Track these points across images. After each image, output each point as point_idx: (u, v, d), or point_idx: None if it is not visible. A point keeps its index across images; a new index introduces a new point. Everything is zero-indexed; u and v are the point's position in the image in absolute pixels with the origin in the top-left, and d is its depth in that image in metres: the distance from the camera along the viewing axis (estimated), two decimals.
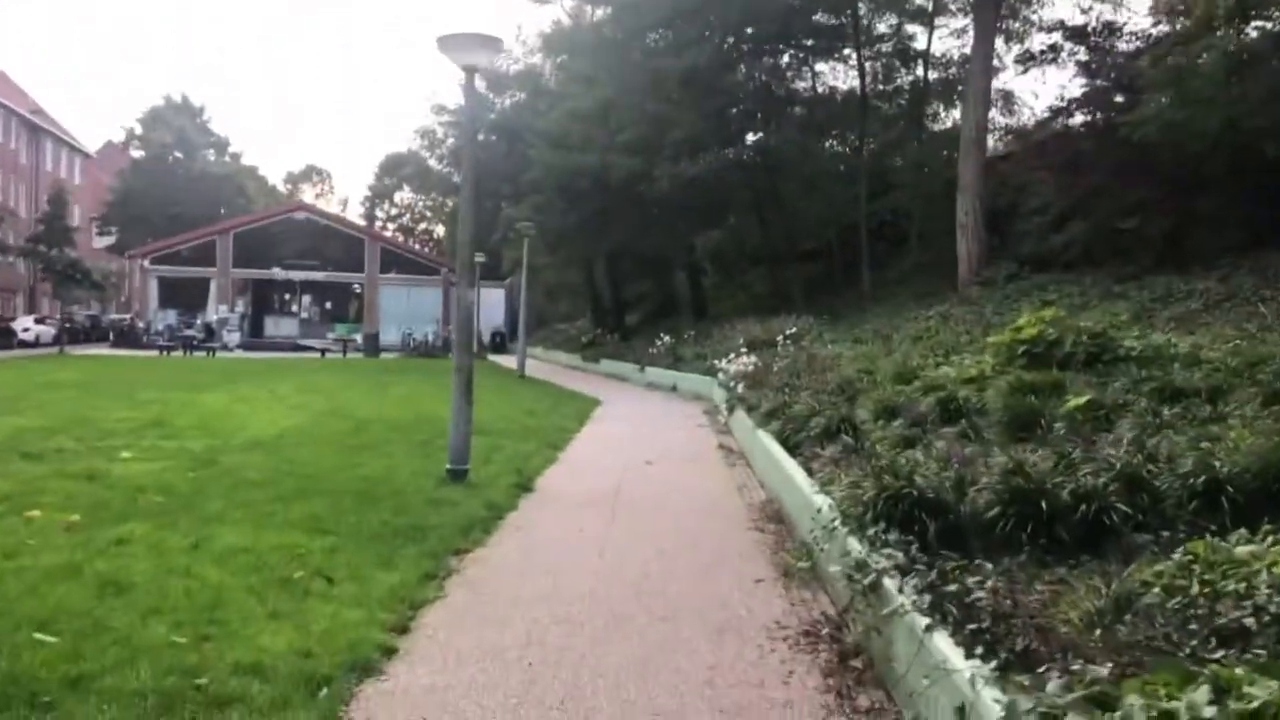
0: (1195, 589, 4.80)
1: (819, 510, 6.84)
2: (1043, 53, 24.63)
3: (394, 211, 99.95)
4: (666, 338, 29.48)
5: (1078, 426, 8.55)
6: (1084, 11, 23.36)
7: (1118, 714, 3.05)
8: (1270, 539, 5.01)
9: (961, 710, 3.73)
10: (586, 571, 7.10)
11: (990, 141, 28.07)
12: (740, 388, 15.00)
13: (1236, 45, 14.31)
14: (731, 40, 31.38)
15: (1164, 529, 5.90)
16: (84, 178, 74.64)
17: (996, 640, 4.04)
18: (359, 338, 50.52)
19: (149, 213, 68.01)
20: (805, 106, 33.27)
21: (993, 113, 28.73)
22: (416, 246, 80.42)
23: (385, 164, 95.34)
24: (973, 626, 4.18)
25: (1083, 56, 21.18)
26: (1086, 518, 5.84)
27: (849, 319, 25.92)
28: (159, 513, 8.32)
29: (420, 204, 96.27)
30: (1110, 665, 3.55)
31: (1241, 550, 4.93)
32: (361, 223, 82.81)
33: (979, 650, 3.96)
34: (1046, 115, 23.41)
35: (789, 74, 33.61)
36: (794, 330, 19.08)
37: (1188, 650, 3.90)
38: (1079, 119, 21.16)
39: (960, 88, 33.84)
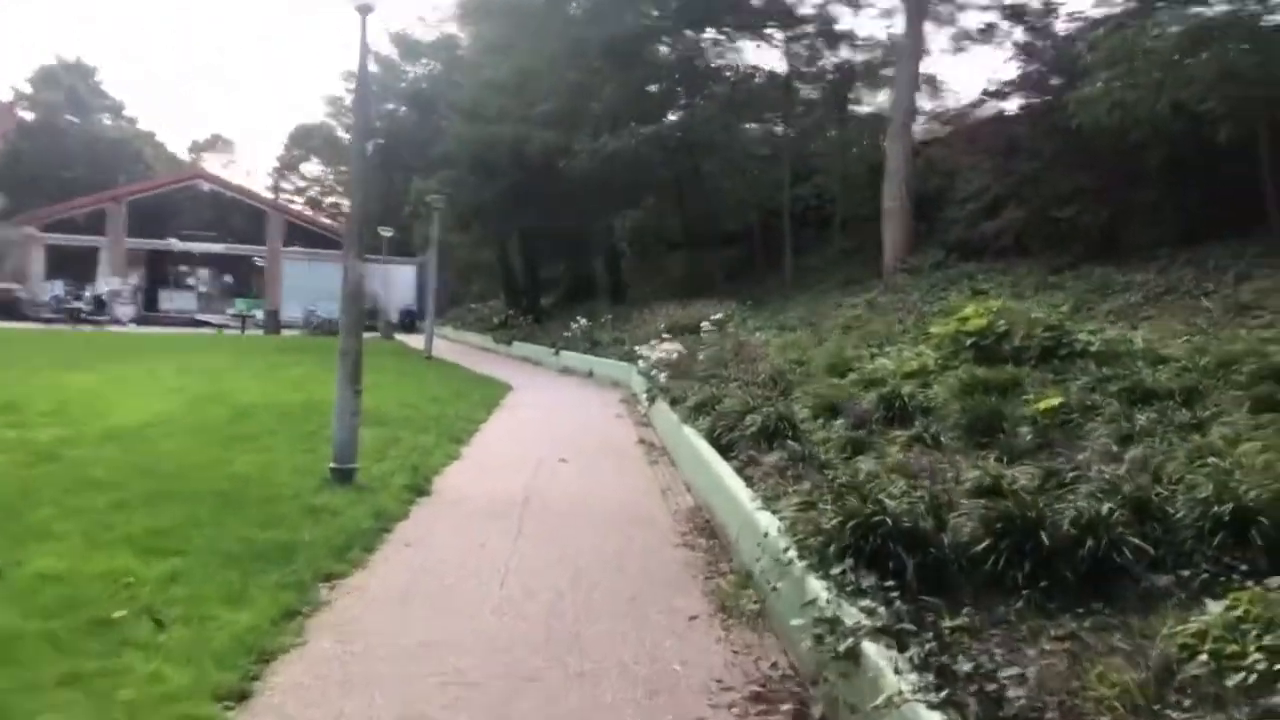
0: (1253, 655, 3.82)
1: (766, 534, 5.72)
2: (981, 31, 23.96)
3: (302, 184, 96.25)
4: (583, 320, 28.22)
5: (1045, 432, 7.62)
6: None
7: None
8: None
9: None
10: (487, 607, 5.87)
11: (916, 126, 27.30)
12: (663, 377, 13.87)
13: (1186, 23, 13.57)
14: (655, 13, 30.14)
15: (1180, 566, 4.94)
16: None
17: None
18: (259, 314, 48.11)
19: (39, 177, 63.95)
20: (729, 85, 32.17)
21: (920, 98, 28.02)
22: (326, 220, 77.51)
23: (294, 135, 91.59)
24: None
25: (1020, 37, 20.49)
26: (1096, 554, 4.82)
27: (772, 305, 25.00)
28: None
29: (330, 177, 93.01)
30: None
31: None
32: (268, 195, 79.48)
33: None
34: (979, 100, 22.66)
35: (713, 50, 32.49)
36: (719, 316, 18.02)
37: None
38: (1015, 103, 20.50)
39: (886, 71, 33.24)
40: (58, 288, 50.89)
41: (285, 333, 44.71)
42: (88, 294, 50.25)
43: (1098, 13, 18.23)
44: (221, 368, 21.77)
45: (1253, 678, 3.60)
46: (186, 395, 15.60)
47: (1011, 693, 3.33)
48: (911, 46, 25.17)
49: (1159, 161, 16.90)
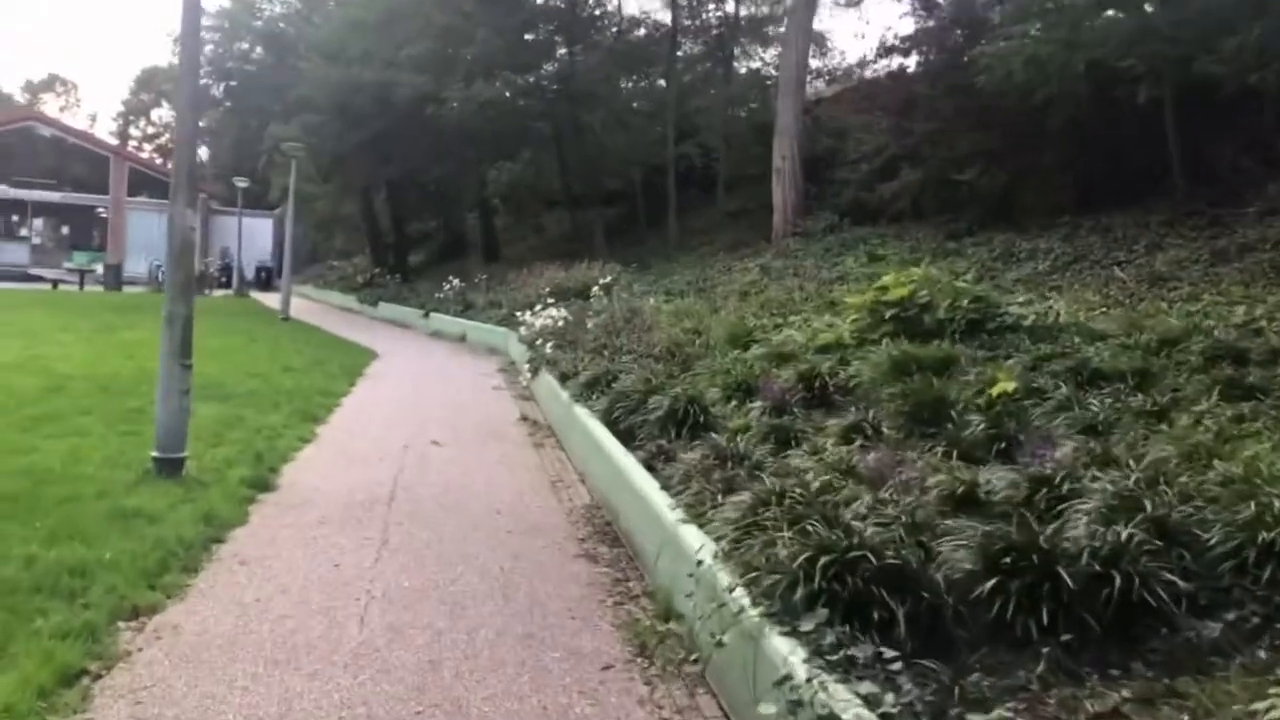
0: None
1: (699, 562, 4.54)
2: None
3: (151, 130, 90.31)
4: (456, 281, 26.52)
5: (999, 420, 6.65)
6: None
7: None
8: None
9: None
10: (340, 658, 4.52)
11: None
12: (548, 347, 12.53)
13: None
14: None
15: (1222, 607, 3.97)
16: None
17: None
18: (100, 268, 44.45)
19: None
20: (611, 35, 30.64)
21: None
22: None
23: (141, 78, 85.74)
24: None
25: None
26: (1125, 593, 3.79)
27: (656, 268, 23.86)
28: None
29: None
30: None
31: None
32: (112, 140, 74.05)
33: None
34: (875, 55, 21.81)
35: None
36: (607, 280, 16.73)
37: None
38: (912, 60, 19.71)
39: (772, 28, 32.35)
40: None
41: (128, 289, 41.36)
42: None
43: None
44: (46, 328, 19.38)
45: None
46: None
47: None
48: None
49: (1061, 124, 16.29)
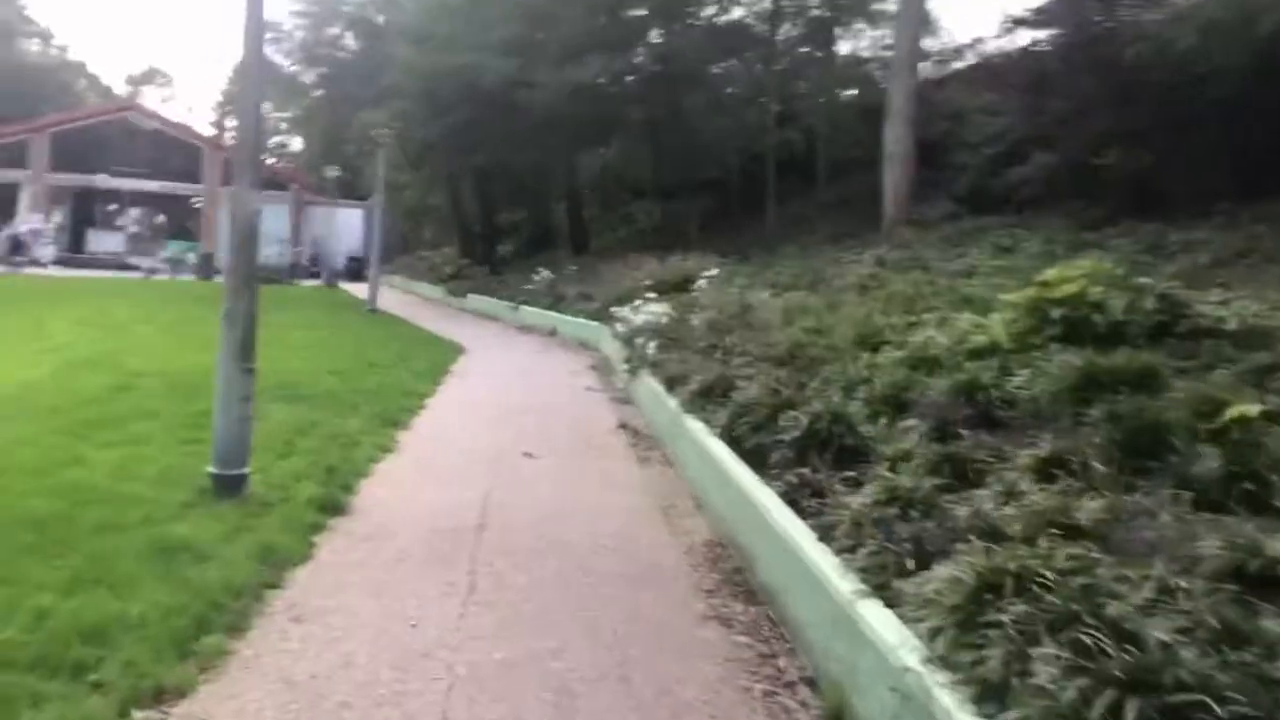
0: None
1: (907, 669, 3.26)
2: None
3: None
4: (545, 272, 25.49)
5: (1240, 452, 5.22)
6: None
7: None
8: None
9: None
10: None
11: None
12: (652, 346, 11.31)
13: None
14: None
15: None
16: None
17: None
18: (193, 258, 44.63)
19: None
20: (710, 14, 29.17)
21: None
22: (271, 161, 73.46)
23: (238, 70, 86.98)
24: None
25: None
26: None
27: (756, 260, 22.46)
28: None
29: (275, 117, 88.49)
30: None
31: None
32: (209, 132, 75.07)
33: None
34: (1002, 30, 20.07)
35: None
36: (715, 272, 15.45)
37: None
38: (1044, 34, 17.93)
39: (878, 5, 30.63)
40: None
41: (219, 279, 41.36)
42: (4, 233, 46.30)
43: None
44: (129, 319, 18.89)
45: None
46: (66, 356, 12.85)
47: None
48: None
49: (1216, 100, 14.51)
